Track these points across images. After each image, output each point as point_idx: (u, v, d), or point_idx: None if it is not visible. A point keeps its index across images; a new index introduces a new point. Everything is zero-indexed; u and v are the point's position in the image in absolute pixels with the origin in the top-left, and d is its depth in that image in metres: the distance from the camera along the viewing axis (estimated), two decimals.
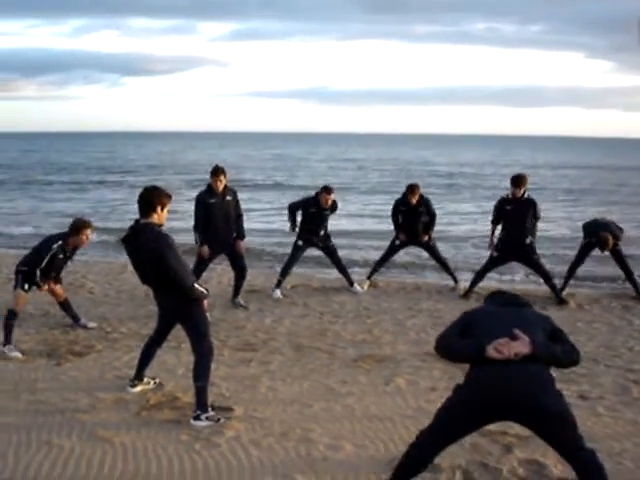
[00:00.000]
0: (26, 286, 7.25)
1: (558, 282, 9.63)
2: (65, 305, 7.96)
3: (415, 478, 4.02)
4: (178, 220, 14.08)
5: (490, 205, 9.78)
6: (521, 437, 4.81)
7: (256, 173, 41.53)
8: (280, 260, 11.48)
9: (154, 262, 5.14)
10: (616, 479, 4.05)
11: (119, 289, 10.11)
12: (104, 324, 8.09)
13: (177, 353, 6.80)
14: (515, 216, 9.21)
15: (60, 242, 7.33)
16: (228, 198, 8.73)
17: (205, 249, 8.71)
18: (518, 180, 9.23)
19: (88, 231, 7.48)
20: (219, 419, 5.20)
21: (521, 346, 3.65)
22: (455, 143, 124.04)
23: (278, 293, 9.65)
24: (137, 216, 5.33)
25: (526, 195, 9.27)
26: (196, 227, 8.76)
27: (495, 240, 9.56)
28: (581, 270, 10.02)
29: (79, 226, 7.42)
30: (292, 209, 9.86)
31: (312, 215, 9.67)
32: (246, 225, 9.20)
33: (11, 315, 7.14)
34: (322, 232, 9.80)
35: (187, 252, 9.11)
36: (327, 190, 9.57)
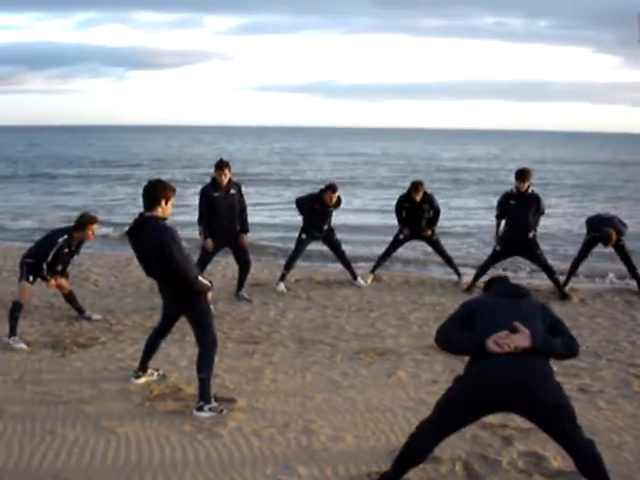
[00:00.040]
0: (31, 278, 7.30)
1: (562, 277, 9.64)
2: (70, 297, 8.01)
3: (415, 469, 4.07)
4: (183, 214, 14.12)
5: (496, 200, 9.79)
6: (521, 429, 4.84)
7: (262, 167, 41.57)
8: (284, 254, 11.51)
9: (158, 255, 5.18)
10: (615, 471, 4.07)
11: (124, 282, 10.17)
12: (109, 316, 8.15)
13: (181, 345, 6.85)
14: (519, 211, 9.21)
15: (66, 236, 7.38)
16: (232, 192, 8.76)
17: (209, 242, 8.76)
18: (523, 174, 9.24)
19: (94, 226, 7.53)
20: (222, 410, 5.24)
21: (521, 339, 3.68)
22: (462, 138, 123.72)
23: (282, 286, 9.69)
24: (142, 209, 5.37)
25: (530, 190, 9.27)
26: (200, 220, 8.80)
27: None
28: (584, 265, 10.04)
29: (85, 221, 7.46)
30: (299, 204, 9.91)
31: (316, 211, 9.71)
32: (251, 219, 9.24)
33: (16, 307, 7.20)
34: (326, 227, 9.84)
35: (192, 246, 9.19)
36: (332, 189, 9.61)
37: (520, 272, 11.37)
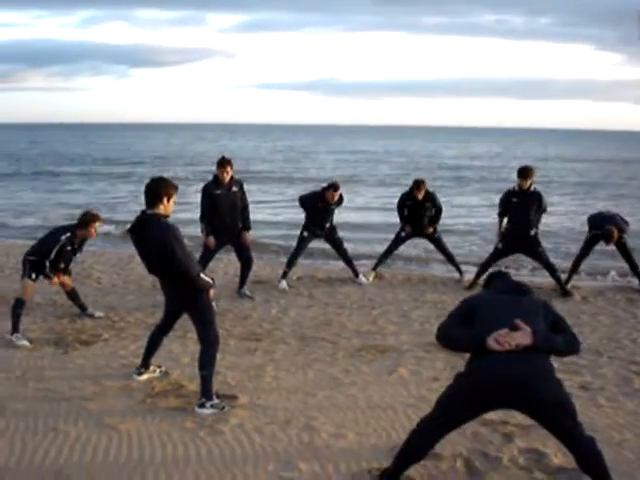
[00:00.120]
0: (33, 275, 7.32)
1: (563, 275, 9.65)
2: (72, 294, 8.02)
3: (416, 465, 4.09)
4: (185, 211, 14.14)
5: (498, 198, 9.81)
6: (522, 426, 4.86)
7: (265, 165, 41.59)
8: (286, 251, 11.53)
9: (160, 252, 5.19)
10: (616, 469, 4.08)
11: (126, 279, 10.19)
12: (111, 313, 8.16)
13: (183, 342, 6.87)
14: (521, 208, 9.22)
15: (68, 234, 7.39)
16: (234, 189, 8.78)
17: (211, 239, 8.77)
18: (525, 172, 9.24)
19: (97, 224, 7.55)
20: (224, 407, 5.26)
21: (522, 337, 3.67)
22: (464, 136, 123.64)
23: (284, 284, 9.71)
24: (144, 207, 5.38)
25: (532, 188, 9.28)
26: (202, 218, 8.81)
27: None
28: (586, 263, 10.04)
29: (88, 219, 7.47)
30: (303, 202, 9.94)
31: (319, 209, 9.73)
32: (253, 217, 9.26)
33: (19, 304, 7.21)
34: (328, 225, 9.86)
35: (194, 243, 9.21)
36: (334, 187, 9.64)
37: (522, 270, 11.36)
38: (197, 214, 8.98)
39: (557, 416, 3.73)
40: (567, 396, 3.79)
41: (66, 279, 7.81)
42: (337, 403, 5.49)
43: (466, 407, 3.82)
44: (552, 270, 9.52)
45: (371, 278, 10.24)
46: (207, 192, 8.75)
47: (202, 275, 5.35)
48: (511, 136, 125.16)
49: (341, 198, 9.82)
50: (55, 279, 7.52)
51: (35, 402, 5.41)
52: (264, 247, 13.41)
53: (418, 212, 10.06)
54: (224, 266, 10.92)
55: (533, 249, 9.41)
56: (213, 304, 5.52)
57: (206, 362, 5.34)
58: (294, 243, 10.32)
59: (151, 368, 6.00)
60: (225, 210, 8.70)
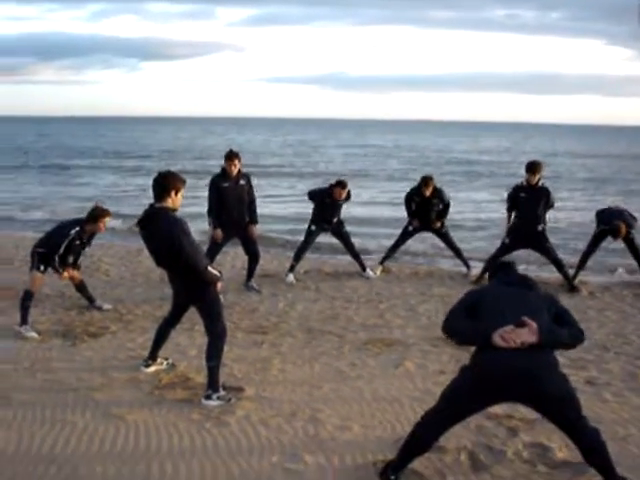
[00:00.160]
0: (42, 267, 7.36)
1: (571, 271, 9.63)
2: (81, 287, 8.06)
3: (420, 458, 4.11)
4: (194, 205, 14.16)
5: (506, 193, 9.79)
6: (527, 420, 4.87)
7: (275, 159, 41.60)
8: (293, 245, 11.54)
9: (168, 246, 5.22)
10: (621, 463, 4.08)
11: (134, 272, 10.24)
12: (119, 306, 8.21)
13: (190, 335, 6.90)
14: (529, 203, 9.20)
15: (77, 228, 7.42)
16: (242, 182, 8.80)
17: (218, 232, 8.80)
18: (533, 167, 9.22)
19: (107, 219, 7.58)
20: (230, 399, 5.29)
21: (528, 334, 3.66)
22: (473, 130, 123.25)
23: (291, 277, 9.73)
24: (152, 201, 5.40)
25: (541, 183, 9.26)
26: (210, 211, 8.84)
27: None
28: (593, 259, 10.02)
29: (97, 214, 7.50)
30: (312, 197, 9.97)
31: (327, 204, 9.78)
32: (261, 211, 9.27)
33: (27, 296, 7.26)
34: (335, 219, 9.88)
35: (203, 238, 9.23)
36: (341, 185, 9.68)
37: (530, 265, 11.34)
38: (205, 208, 9.00)
39: (561, 409, 3.75)
40: (572, 390, 3.80)
41: (75, 273, 7.84)
42: (343, 396, 5.52)
43: (471, 400, 3.83)
44: (560, 265, 9.51)
45: (378, 272, 10.25)
46: (215, 184, 8.77)
47: (210, 268, 5.38)
48: (521, 131, 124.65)
49: (349, 195, 9.85)
50: (65, 274, 7.56)
51: (43, 393, 5.46)
52: (271, 241, 13.43)
53: (426, 207, 10.08)
54: (231, 259, 10.96)
55: (541, 244, 9.39)
56: (220, 297, 5.55)
57: (213, 354, 5.37)
58: (301, 237, 10.34)
59: (158, 360, 6.04)
60: (232, 203, 8.73)
